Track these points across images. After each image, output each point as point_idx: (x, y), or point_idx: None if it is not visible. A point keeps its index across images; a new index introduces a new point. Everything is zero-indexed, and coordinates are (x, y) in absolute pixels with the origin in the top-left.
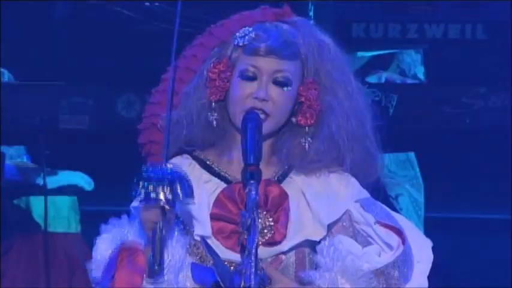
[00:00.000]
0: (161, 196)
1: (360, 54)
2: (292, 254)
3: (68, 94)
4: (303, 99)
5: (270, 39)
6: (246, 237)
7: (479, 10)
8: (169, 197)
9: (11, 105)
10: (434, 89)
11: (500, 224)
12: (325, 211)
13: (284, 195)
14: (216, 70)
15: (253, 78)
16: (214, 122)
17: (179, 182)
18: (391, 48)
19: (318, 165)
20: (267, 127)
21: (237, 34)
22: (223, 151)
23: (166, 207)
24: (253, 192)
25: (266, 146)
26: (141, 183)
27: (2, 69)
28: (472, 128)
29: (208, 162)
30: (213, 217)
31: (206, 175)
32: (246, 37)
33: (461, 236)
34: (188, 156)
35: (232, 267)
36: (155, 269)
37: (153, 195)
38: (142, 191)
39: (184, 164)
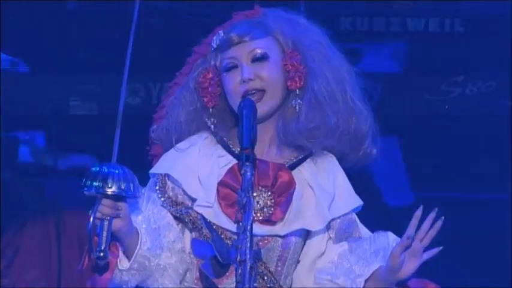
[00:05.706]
0: (107, 189)
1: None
2: (279, 237)
3: (78, 83)
4: (289, 67)
5: (237, 27)
6: (242, 215)
7: (457, 6)
8: (111, 189)
9: (26, 93)
10: (415, 78)
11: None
12: (330, 206)
13: (292, 183)
14: (206, 79)
15: (235, 67)
16: (212, 126)
17: (117, 177)
18: (375, 40)
19: (309, 128)
20: (266, 103)
21: (211, 42)
22: (235, 135)
23: (101, 195)
24: (249, 174)
25: (271, 127)
26: (89, 177)
27: (17, 60)
28: (450, 113)
29: (225, 139)
30: (222, 184)
31: (221, 150)
32: (218, 38)
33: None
34: (206, 132)
35: (223, 236)
36: (100, 255)
37: (96, 184)
38: (88, 182)
39: (201, 137)
